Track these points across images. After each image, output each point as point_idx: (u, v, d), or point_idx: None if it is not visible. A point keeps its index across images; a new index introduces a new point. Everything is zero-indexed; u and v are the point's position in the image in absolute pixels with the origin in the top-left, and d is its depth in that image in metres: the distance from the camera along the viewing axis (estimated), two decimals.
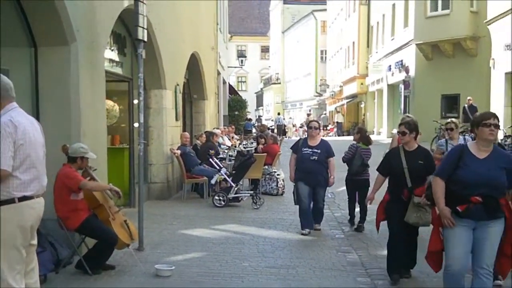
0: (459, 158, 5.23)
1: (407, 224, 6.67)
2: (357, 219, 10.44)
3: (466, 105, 23.42)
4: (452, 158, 5.33)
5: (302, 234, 9.72)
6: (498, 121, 5.22)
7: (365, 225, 10.23)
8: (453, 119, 9.86)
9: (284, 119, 53.89)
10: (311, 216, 9.89)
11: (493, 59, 23.71)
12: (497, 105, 23.26)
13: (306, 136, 10.36)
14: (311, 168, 9.63)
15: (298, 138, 18.71)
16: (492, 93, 23.98)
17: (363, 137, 10.47)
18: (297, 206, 10.03)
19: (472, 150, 5.27)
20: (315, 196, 9.85)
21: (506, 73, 22.54)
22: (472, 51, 27.67)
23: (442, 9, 28.10)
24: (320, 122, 10.89)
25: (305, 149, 9.72)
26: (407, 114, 9.63)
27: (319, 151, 9.66)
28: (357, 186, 10.28)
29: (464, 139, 9.21)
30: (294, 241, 9.32)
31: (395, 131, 9.50)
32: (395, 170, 6.85)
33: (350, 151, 10.32)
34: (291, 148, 10.25)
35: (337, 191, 13.64)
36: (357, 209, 10.47)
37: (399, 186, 6.77)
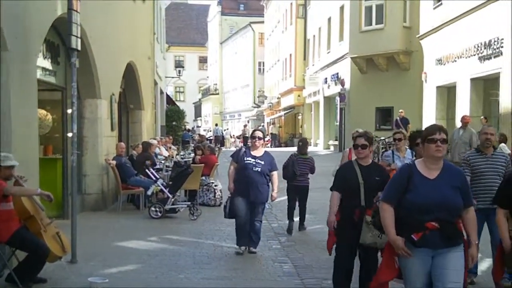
0: (408, 180, 4.60)
1: (363, 247, 5.99)
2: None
3: (398, 118, 24.02)
4: (400, 181, 4.68)
5: (237, 253, 9.14)
6: (446, 134, 4.63)
7: (299, 236, 10.35)
8: (402, 130, 9.52)
9: (222, 130, 53.96)
10: (247, 232, 9.15)
11: (425, 73, 24.44)
12: (429, 118, 23.96)
13: (249, 146, 9.62)
14: (252, 180, 8.92)
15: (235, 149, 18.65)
16: (424, 106, 24.68)
17: (300, 148, 11.40)
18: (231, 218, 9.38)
19: (420, 169, 4.64)
20: (252, 212, 9.10)
21: (437, 87, 23.27)
22: (405, 65, 28.42)
23: (376, 24, 28.77)
24: (264, 132, 10.08)
25: (248, 159, 9.02)
26: (356, 129, 9.41)
27: (262, 162, 9.03)
28: (298, 191, 11.18)
29: (412, 152, 8.53)
30: (231, 252, 9.30)
31: (347, 149, 9.77)
32: (350, 186, 6.14)
33: (289, 159, 11.26)
34: (231, 156, 9.48)
35: (274, 202, 13.68)
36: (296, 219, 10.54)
37: (351, 205, 6.07)
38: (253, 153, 9.15)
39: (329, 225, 6.25)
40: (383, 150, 19.36)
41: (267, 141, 48.55)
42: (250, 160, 9.05)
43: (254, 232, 9.19)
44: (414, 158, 7.67)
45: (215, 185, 14.90)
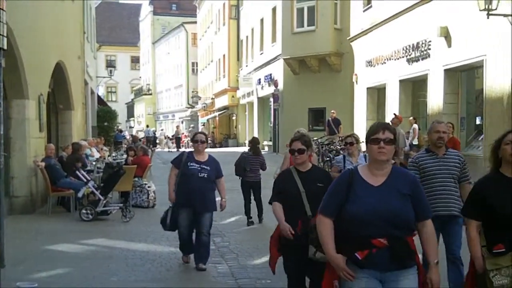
0: (348, 188, 3.86)
1: (312, 262, 5.03)
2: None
3: (330, 118, 24.42)
4: (338, 189, 3.93)
5: (183, 261, 8.52)
6: (393, 133, 3.89)
7: (234, 236, 10.36)
8: (354, 133, 8.77)
9: (154, 130, 53.43)
10: (192, 245, 8.36)
11: (356, 74, 24.94)
12: (360, 119, 24.50)
13: (191, 150, 8.65)
14: (198, 187, 8.01)
15: (168, 150, 18.52)
16: (355, 107, 25.18)
17: (253, 147, 12.24)
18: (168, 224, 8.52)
19: (363, 175, 3.89)
20: (198, 224, 8.14)
21: (367, 88, 23.80)
22: (336, 66, 28.90)
23: (308, 26, 29.13)
24: (206, 134, 9.35)
25: (192, 164, 8.12)
26: (298, 129, 9.16)
27: (208, 168, 8.16)
28: (251, 186, 11.91)
29: (365, 157, 7.90)
30: (164, 254, 9.20)
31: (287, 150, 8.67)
32: (291, 197, 5.47)
33: (240, 157, 12.04)
34: (172, 161, 8.48)
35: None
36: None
37: (295, 216, 5.39)
38: (197, 158, 8.24)
39: (285, 233, 5.44)
40: (316, 150, 19.60)
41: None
42: (195, 166, 8.13)
43: (202, 246, 8.20)
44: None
45: (148, 187, 14.73)
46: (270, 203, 5.73)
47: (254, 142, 12.54)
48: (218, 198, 8.33)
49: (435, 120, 6.55)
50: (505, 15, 13.71)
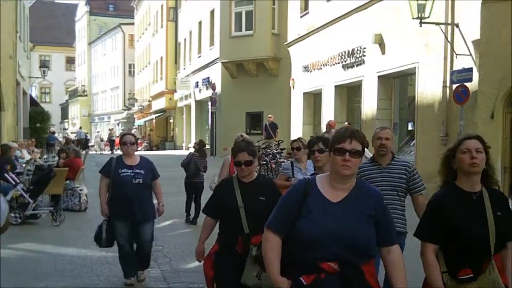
0: (302, 202, 3.30)
1: None
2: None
3: (267, 123, 24.52)
4: (290, 202, 3.36)
5: (127, 284, 7.47)
6: (362, 143, 3.30)
7: (167, 240, 10.25)
8: (301, 137, 8.14)
9: (86, 132, 52.42)
10: (134, 259, 7.58)
11: (292, 79, 25.14)
12: (296, 123, 24.70)
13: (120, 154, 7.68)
14: (134, 195, 7.17)
15: (100, 153, 18.17)
16: (292, 111, 25.38)
17: (200, 149, 12.59)
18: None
19: (321, 188, 3.34)
20: (139, 235, 7.41)
21: (304, 93, 24.02)
22: (274, 71, 29.08)
23: (246, 30, 29.23)
24: (135, 135, 8.30)
25: (123, 171, 7.25)
26: (240, 134, 8.41)
27: (142, 171, 7.31)
28: (194, 187, 12.19)
29: (312, 162, 6.91)
30: (95, 259, 8.98)
31: (228, 157, 8.00)
32: (228, 211, 4.87)
33: (187, 158, 12.30)
34: (100, 171, 7.52)
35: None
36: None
37: (232, 233, 4.81)
38: (128, 162, 7.34)
39: (197, 256, 5.05)
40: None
41: (139, 143, 47.87)
42: (127, 172, 7.25)
43: (144, 255, 7.59)
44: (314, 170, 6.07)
45: (80, 190, 14.38)
46: (203, 212, 5.20)
47: (201, 145, 12.94)
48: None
49: (380, 126, 5.92)
50: (437, 23, 14.08)
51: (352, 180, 3.33)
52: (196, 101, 38.14)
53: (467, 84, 13.12)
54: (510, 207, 3.86)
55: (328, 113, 21.22)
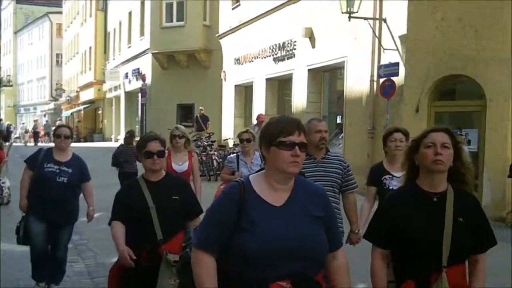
0: (238, 210, 2.67)
1: None
2: None
3: (198, 115, 24.36)
4: (224, 212, 2.71)
5: None
6: (305, 134, 2.81)
7: (93, 234, 10.01)
8: (249, 128, 7.72)
9: (10, 124, 50.70)
10: (48, 263, 6.85)
11: (224, 71, 25.06)
12: (227, 116, 24.66)
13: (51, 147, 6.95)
14: (55, 195, 6.50)
15: (24, 145, 17.60)
16: (223, 104, 25.31)
17: (126, 139, 12.91)
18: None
19: (259, 190, 2.75)
20: (55, 238, 6.81)
21: (235, 85, 24.00)
22: (205, 63, 28.90)
23: (177, 21, 28.90)
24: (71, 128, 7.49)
25: (49, 165, 6.55)
26: (176, 126, 7.91)
27: (70, 170, 6.61)
28: (127, 177, 11.49)
29: (261, 157, 6.28)
30: (17, 253, 8.64)
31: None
32: (137, 213, 4.30)
33: (117, 149, 12.56)
34: (26, 160, 6.87)
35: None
36: None
37: (142, 240, 4.23)
38: (58, 157, 6.63)
39: (124, 260, 4.27)
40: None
41: None
42: (53, 168, 6.54)
43: (57, 264, 6.92)
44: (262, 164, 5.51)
45: (3, 182, 13.88)
46: (110, 223, 4.50)
47: (129, 134, 13.21)
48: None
49: (313, 118, 5.55)
50: (365, 18, 14.31)
51: (293, 178, 2.79)
52: (125, 92, 37.51)
53: (393, 78, 13.41)
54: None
55: (259, 106, 21.28)
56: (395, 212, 3.15)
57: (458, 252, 3.02)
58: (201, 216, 4.26)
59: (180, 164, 7.43)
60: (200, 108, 24.53)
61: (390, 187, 5.41)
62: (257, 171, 2.97)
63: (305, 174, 4.50)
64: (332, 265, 2.86)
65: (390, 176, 5.55)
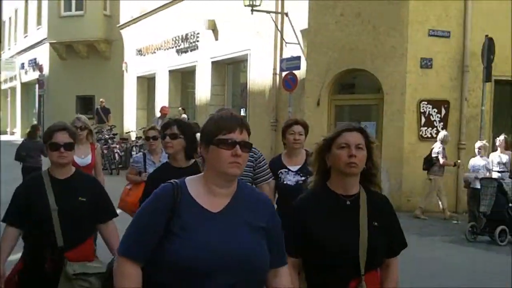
0: (170, 215, 2.38)
1: None
2: None
3: (99, 107, 23.74)
4: (153, 217, 2.41)
5: None
6: (248, 131, 2.46)
7: None
8: (155, 126, 7.34)
9: None
10: None
11: (125, 62, 24.53)
12: (130, 108, 24.18)
13: None
14: None
15: None
16: (125, 95, 24.79)
17: (31, 132, 12.56)
18: None
19: (195, 194, 2.44)
20: None
21: (138, 77, 23.56)
22: (106, 53, 28.16)
23: (76, 10, 27.97)
24: None
25: None
26: (77, 116, 7.32)
27: None
28: (31, 171, 11.22)
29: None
30: None
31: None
32: (37, 215, 3.76)
33: (22, 142, 12.39)
34: None
35: None
36: None
37: (41, 246, 3.75)
38: None
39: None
40: None
41: None
42: None
43: None
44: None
45: None
46: (3, 220, 3.93)
47: (33, 128, 12.92)
48: None
49: (219, 109, 5.44)
50: (268, 12, 14.41)
51: (235, 182, 2.49)
52: (22, 83, 36.00)
53: (295, 72, 13.61)
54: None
55: (162, 98, 21.01)
56: (306, 217, 2.86)
57: (374, 258, 2.83)
58: (115, 220, 4.00)
59: (83, 157, 7.02)
60: (101, 100, 23.91)
61: (285, 182, 5.11)
62: None
63: None
64: (273, 284, 2.53)
65: (286, 170, 5.19)
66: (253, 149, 4.40)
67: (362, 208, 2.85)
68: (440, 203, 11.76)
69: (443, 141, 11.52)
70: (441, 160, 11.37)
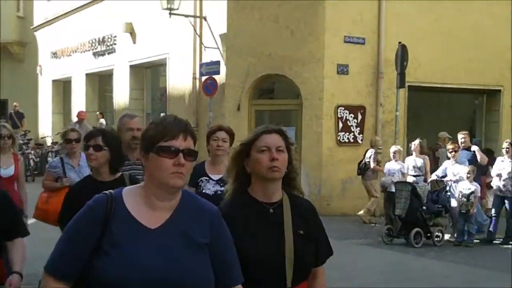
0: (101, 230, 2.16)
1: None
2: None
3: (12, 111, 22.84)
4: (82, 232, 2.19)
5: None
6: (194, 138, 2.25)
7: None
8: (74, 127, 6.84)
9: None
10: None
11: (40, 65, 23.78)
12: (45, 112, 23.43)
13: None
14: None
15: None
16: (40, 99, 24.01)
17: None
18: None
19: (132, 207, 2.22)
20: None
21: (53, 80, 22.90)
22: (19, 56, 27.16)
23: None
24: None
25: None
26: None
27: None
28: None
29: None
30: None
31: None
32: None
33: None
34: None
35: None
36: None
37: None
38: None
39: None
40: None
41: None
42: None
43: None
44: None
45: None
46: None
47: None
48: None
49: (125, 115, 5.21)
50: (186, 16, 14.30)
51: (178, 194, 2.25)
52: None
53: (215, 76, 13.55)
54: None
55: (79, 102, 20.50)
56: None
57: (302, 269, 2.64)
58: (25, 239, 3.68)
59: (5, 168, 6.61)
60: (15, 104, 22.98)
61: (204, 191, 4.80)
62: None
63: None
64: None
65: (207, 178, 4.91)
66: None
67: (286, 216, 2.64)
68: (368, 206, 11.89)
69: (373, 146, 11.75)
70: (372, 165, 11.60)
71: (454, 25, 13.29)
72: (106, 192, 2.24)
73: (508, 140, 10.64)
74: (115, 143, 4.00)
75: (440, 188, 10.42)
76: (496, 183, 10.48)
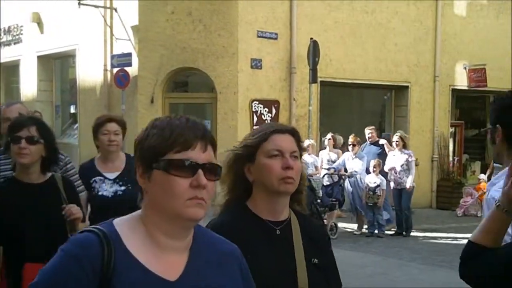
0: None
1: None
2: None
3: None
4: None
5: None
6: (214, 148, 1.60)
7: None
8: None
9: None
10: None
11: None
12: None
13: None
14: None
15: None
16: None
17: None
18: None
19: (137, 252, 1.49)
20: None
21: None
22: None
23: None
24: None
25: None
26: None
27: None
28: None
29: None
30: None
31: None
32: None
33: None
34: None
35: None
36: None
37: None
38: None
39: None
40: None
41: None
42: None
43: None
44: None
45: None
46: None
47: None
48: None
49: (6, 102, 4.54)
50: (96, 6, 13.92)
51: (192, 228, 1.60)
52: None
53: (127, 68, 13.25)
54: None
55: None
56: None
57: None
58: None
59: None
60: None
61: (100, 193, 4.23)
62: None
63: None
64: None
65: (101, 178, 4.29)
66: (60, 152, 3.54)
67: (296, 239, 2.11)
68: None
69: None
70: None
71: (363, 24, 13.63)
72: (93, 229, 1.49)
73: (398, 134, 10.95)
74: (50, 136, 3.30)
75: (334, 182, 10.70)
76: (391, 177, 10.78)
